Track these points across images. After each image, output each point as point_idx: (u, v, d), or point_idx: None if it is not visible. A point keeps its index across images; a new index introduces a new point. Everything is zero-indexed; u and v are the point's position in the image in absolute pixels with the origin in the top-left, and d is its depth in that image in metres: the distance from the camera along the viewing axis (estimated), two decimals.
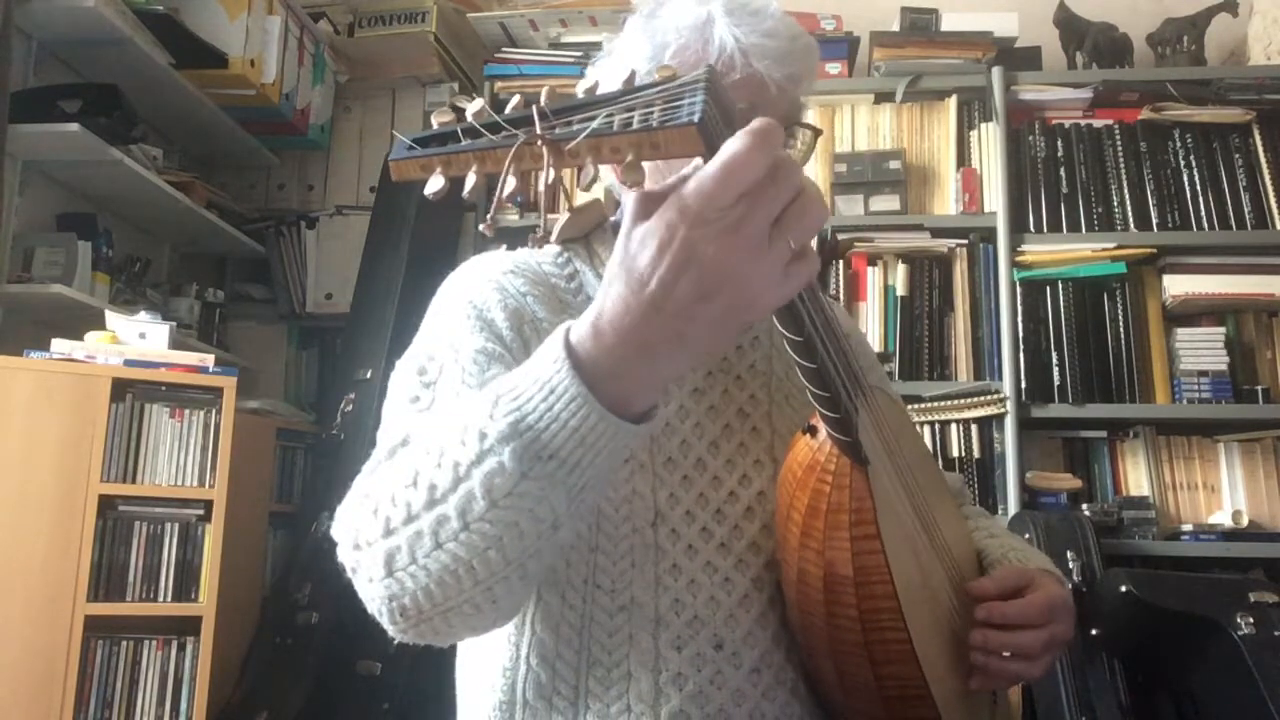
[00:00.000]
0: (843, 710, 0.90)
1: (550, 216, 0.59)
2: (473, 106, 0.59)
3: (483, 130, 0.58)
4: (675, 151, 0.55)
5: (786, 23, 0.96)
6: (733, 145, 0.55)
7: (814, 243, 0.63)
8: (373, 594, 0.73)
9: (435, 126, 0.60)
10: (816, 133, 1.02)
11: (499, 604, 0.71)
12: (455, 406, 0.81)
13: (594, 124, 0.54)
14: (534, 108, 0.57)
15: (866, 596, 0.82)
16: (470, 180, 0.58)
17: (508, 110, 0.59)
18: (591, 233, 1.01)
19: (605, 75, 0.97)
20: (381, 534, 0.71)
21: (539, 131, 0.55)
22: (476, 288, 0.92)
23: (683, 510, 0.90)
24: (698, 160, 0.58)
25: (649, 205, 0.58)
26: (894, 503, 0.86)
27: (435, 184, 0.58)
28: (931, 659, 0.84)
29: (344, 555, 0.75)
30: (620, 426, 0.64)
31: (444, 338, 0.89)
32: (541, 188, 0.56)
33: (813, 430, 0.84)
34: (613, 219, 1.04)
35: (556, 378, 0.63)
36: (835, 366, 0.75)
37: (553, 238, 0.60)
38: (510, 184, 0.56)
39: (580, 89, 0.60)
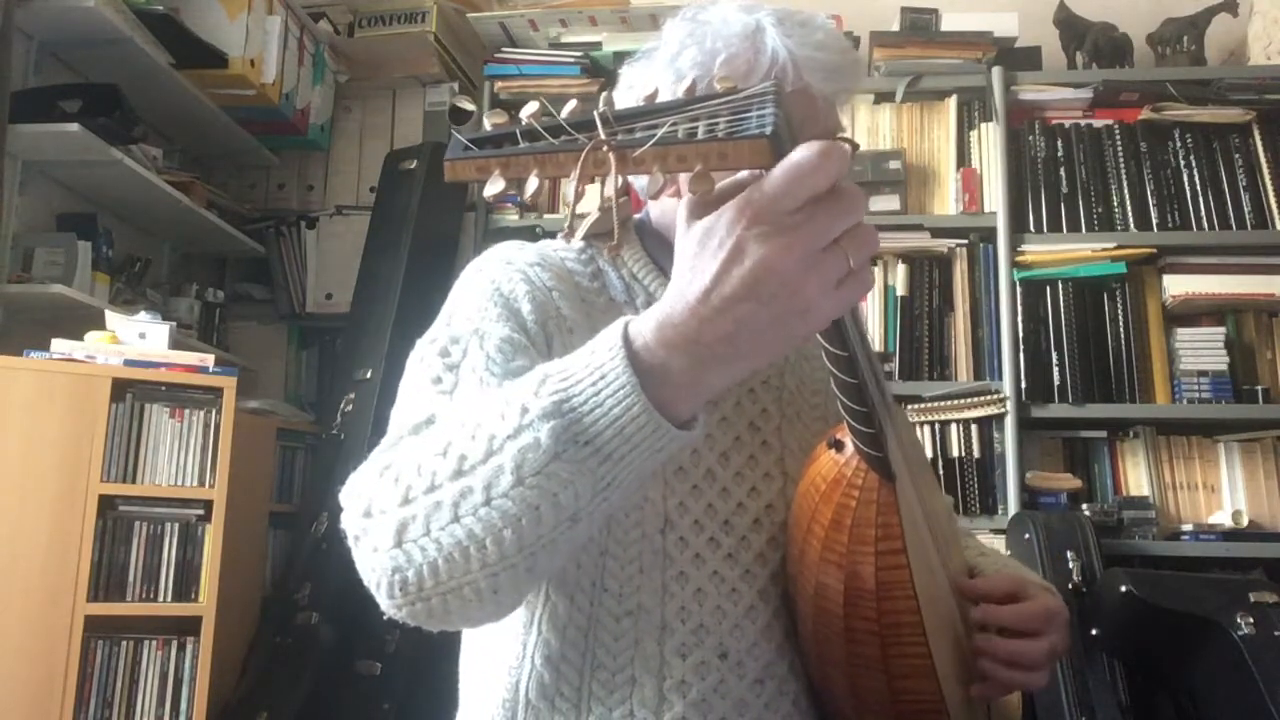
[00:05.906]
0: None
1: (578, 214, 0.58)
2: (529, 108, 0.58)
3: (543, 133, 0.56)
4: (743, 163, 0.54)
5: (835, 36, 0.95)
6: (802, 152, 0.55)
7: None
8: (375, 563, 0.71)
9: (489, 127, 0.59)
10: (854, 147, 1.01)
11: (499, 594, 0.69)
12: (479, 396, 0.80)
13: (660, 131, 0.54)
14: (597, 113, 0.56)
15: (889, 611, 0.81)
16: (532, 184, 0.56)
17: (564, 113, 0.58)
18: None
19: (649, 79, 0.96)
20: (399, 502, 0.69)
21: (604, 137, 0.54)
22: (505, 275, 0.91)
23: (691, 519, 0.90)
24: (746, 173, 0.57)
25: (703, 208, 0.58)
26: (914, 515, 0.86)
27: (495, 186, 0.57)
28: (943, 670, 0.85)
29: (350, 522, 0.73)
30: (661, 426, 0.63)
31: (470, 321, 0.87)
32: (609, 192, 0.55)
33: (838, 445, 0.83)
34: (638, 217, 1.04)
35: (609, 364, 0.63)
36: (871, 382, 0.74)
37: (578, 235, 0.59)
38: (582, 191, 0.55)
39: (622, 88, 0.59)
